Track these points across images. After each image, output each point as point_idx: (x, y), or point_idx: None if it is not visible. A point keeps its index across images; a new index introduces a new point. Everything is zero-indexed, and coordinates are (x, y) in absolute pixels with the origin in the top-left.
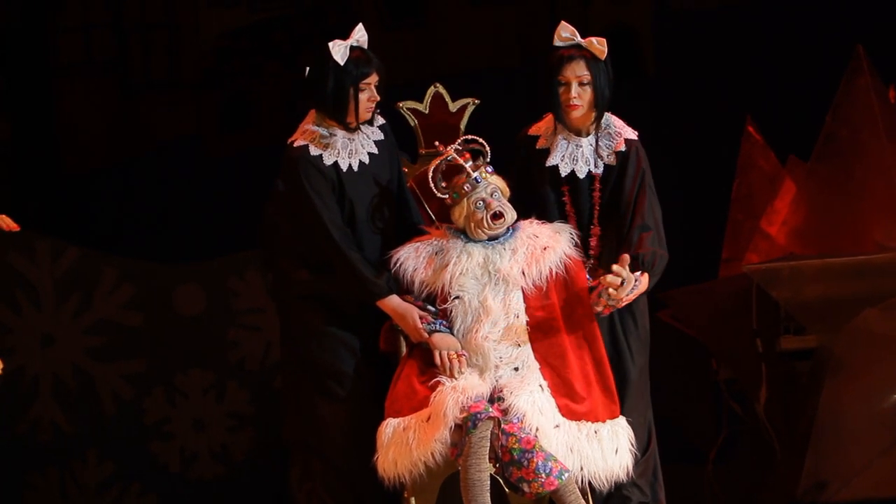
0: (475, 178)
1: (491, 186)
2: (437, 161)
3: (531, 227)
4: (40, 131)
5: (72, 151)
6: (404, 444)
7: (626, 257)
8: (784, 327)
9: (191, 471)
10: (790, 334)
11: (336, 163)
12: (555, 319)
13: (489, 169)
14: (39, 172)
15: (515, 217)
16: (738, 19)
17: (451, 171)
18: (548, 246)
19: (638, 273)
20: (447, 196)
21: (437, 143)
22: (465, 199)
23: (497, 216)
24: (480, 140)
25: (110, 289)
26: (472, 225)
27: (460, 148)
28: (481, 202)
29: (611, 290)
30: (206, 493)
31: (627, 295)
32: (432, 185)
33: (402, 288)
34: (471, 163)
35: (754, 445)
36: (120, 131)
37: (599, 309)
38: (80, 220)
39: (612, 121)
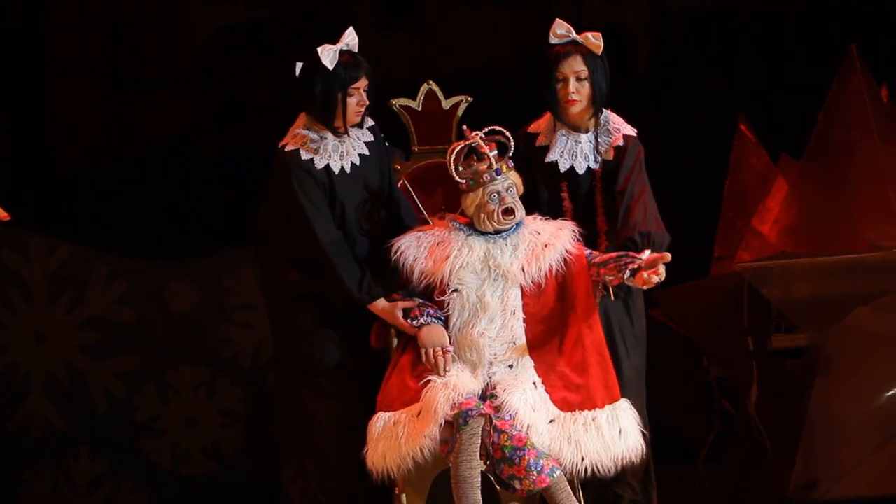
0: (496, 169)
1: (508, 181)
2: (459, 144)
3: (534, 223)
4: (34, 128)
5: (65, 148)
6: (394, 438)
7: (666, 256)
8: (775, 326)
9: (182, 468)
10: (781, 333)
11: (328, 165)
12: (551, 317)
13: (510, 164)
14: (33, 169)
15: (524, 216)
16: (731, 19)
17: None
18: (549, 243)
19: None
20: (464, 181)
21: (464, 127)
22: (481, 189)
23: (509, 212)
24: (507, 133)
25: (102, 285)
26: (483, 216)
27: (484, 137)
28: (496, 195)
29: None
30: (197, 490)
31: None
32: (452, 167)
33: (402, 277)
34: (495, 153)
35: (745, 444)
36: (114, 128)
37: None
38: (73, 218)
39: (611, 117)
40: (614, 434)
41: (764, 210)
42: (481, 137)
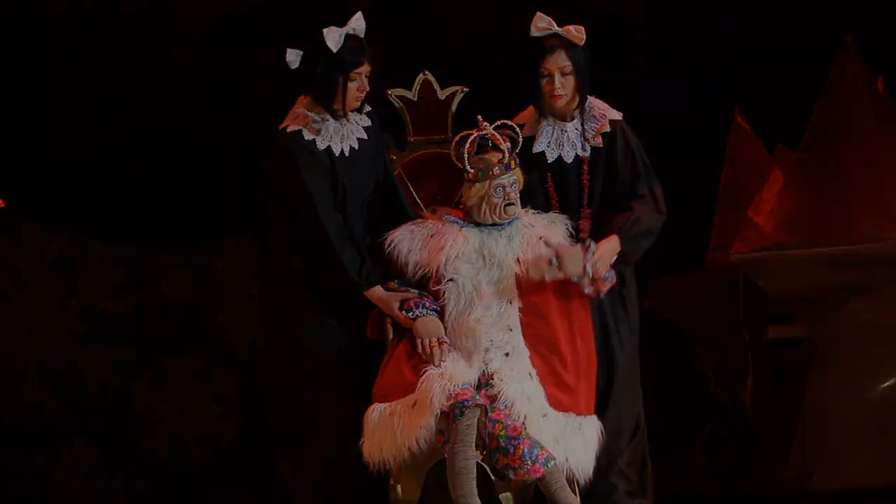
0: (506, 164)
1: (514, 177)
2: (473, 133)
3: (527, 216)
4: (30, 119)
5: (61, 139)
6: (389, 429)
7: (540, 239)
8: (771, 316)
9: (177, 457)
10: (777, 324)
11: (329, 147)
12: (547, 307)
13: (517, 160)
14: (28, 159)
15: (520, 211)
16: (727, 9)
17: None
18: (543, 235)
19: (588, 241)
20: (473, 171)
21: (479, 116)
22: (488, 181)
23: (510, 208)
24: (517, 129)
25: (98, 275)
26: (486, 207)
27: (494, 133)
28: (501, 189)
29: (559, 267)
30: (192, 479)
31: (591, 264)
32: (464, 154)
33: (396, 269)
34: (509, 146)
35: (741, 435)
36: (110, 118)
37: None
38: (69, 208)
39: (594, 103)
40: (587, 445)
41: (760, 201)
42: (496, 128)
